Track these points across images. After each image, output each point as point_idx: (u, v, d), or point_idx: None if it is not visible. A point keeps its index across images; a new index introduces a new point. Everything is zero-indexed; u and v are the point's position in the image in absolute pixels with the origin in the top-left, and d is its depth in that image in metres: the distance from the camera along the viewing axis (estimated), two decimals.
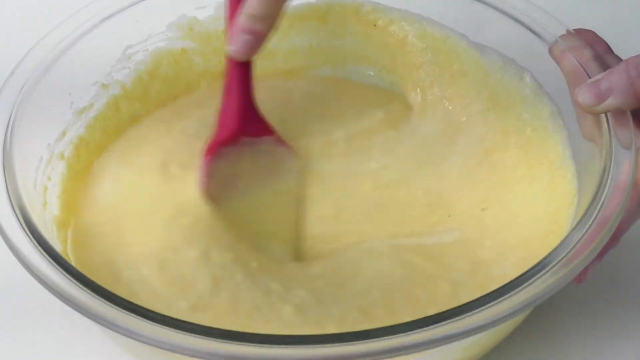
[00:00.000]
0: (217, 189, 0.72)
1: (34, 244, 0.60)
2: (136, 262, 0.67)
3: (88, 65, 0.75)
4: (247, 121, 0.72)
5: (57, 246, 0.66)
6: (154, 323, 0.56)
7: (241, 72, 0.71)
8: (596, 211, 0.61)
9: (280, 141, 0.75)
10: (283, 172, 0.74)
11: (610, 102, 0.62)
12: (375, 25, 0.81)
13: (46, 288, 0.58)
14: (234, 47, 0.68)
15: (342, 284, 0.67)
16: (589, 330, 0.70)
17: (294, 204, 0.74)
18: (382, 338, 0.54)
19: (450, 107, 0.79)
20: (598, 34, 0.70)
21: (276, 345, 0.55)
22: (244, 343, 0.55)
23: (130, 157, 0.75)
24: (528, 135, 0.74)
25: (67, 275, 0.59)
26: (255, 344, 0.55)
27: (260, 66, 0.82)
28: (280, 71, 0.84)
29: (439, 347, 0.56)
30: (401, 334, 0.55)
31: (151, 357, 0.62)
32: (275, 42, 0.82)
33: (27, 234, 0.61)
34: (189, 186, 0.72)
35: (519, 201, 0.72)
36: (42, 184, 0.69)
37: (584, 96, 0.63)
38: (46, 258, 0.60)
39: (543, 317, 0.70)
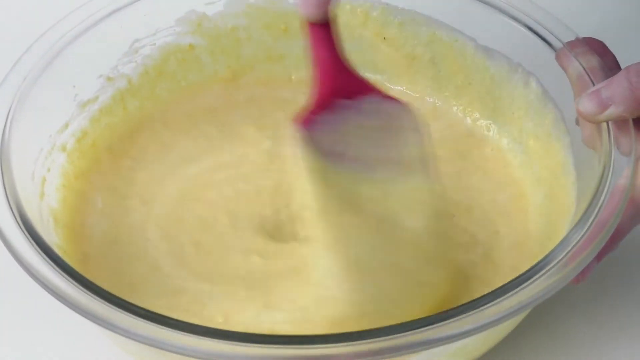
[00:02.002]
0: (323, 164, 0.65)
1: (28, 239, 0.60)
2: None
3: (94, 58, 0.75)
4: (340, 81, 0.66)
5: (53, 239, 0.66)
6: (151, 322, 0.55)
7: (321, 33, 0.65)
8: (594, 213, 0.60)
9: (387, 97, 0.67)
10: (403, 133, 0.67)
11: (612, 110, 0.61)
12: (384, 38, 0.80)
13: (38, 284, 0.58)
14: (305, 9, 0.64)
15: None
16: (590, 332, 0.69)
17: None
18: (380, 338, 0.54)
19: (453, 118, 0.79)
20: (606, 41, 0.69)
21: (271, 346, 0.54)
22: (240, 343, 0.54)
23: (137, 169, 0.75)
24: (530, 146, 0.74)
25: (61, 271, 0.58)
26: (252, 344, 0.54)
27: (270, 71, 0.82)
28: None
29: (433, 350, 0.56)
30: (392, 336, 0.54)
31: (148, 356, 0.62)
32: (284, 45, 0.82)
33: (21, 228, 0.61)
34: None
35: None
36: (40, 175, 0.69)
37: (585, 105, 0.62)
38: (40, 254, 0.59)
39: (541, 318, 0.69)
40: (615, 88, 0.61)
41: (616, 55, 0.68)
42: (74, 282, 0.57)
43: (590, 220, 0.60)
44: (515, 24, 0.74)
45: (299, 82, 0.82)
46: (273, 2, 0.81)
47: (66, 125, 0.73)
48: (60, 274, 0.58)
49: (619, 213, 0.60)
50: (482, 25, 0.76)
